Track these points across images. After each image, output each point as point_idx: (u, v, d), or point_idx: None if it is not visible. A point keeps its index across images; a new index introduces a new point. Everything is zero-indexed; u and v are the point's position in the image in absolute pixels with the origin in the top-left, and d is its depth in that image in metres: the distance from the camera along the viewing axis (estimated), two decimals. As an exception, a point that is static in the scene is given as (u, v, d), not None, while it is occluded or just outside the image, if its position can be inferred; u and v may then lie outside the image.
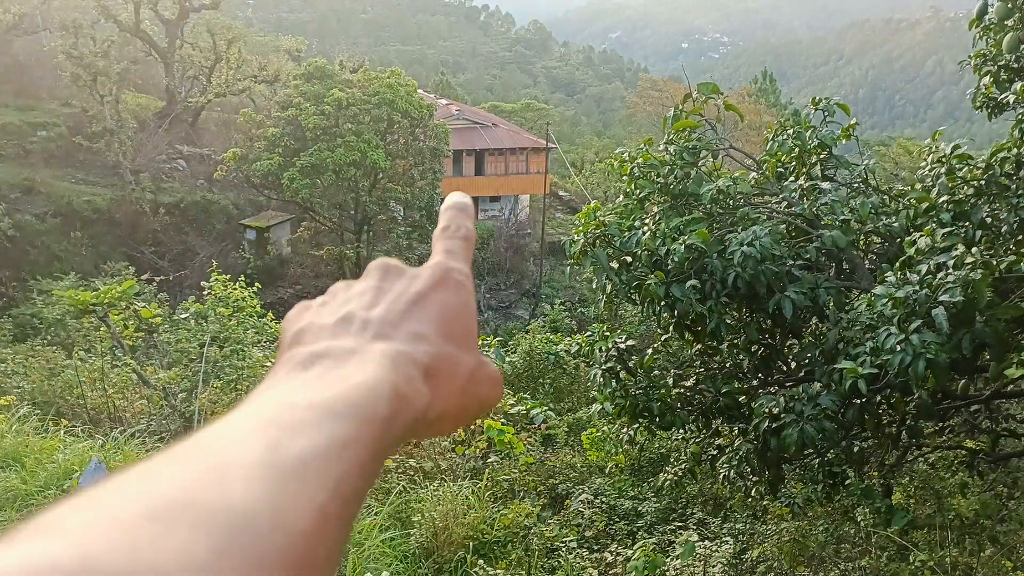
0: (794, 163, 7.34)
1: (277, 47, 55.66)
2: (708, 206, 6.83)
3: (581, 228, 7.01)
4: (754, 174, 7.61)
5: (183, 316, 11.67)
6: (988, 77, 7.90)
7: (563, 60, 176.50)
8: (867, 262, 7.23)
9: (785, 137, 7.15)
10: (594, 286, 7.20)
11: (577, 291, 40.98)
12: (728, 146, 7.34)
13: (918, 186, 6.88)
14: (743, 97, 59.14)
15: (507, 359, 15.27)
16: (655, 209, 7.04)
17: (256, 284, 12.32)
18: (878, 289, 5.59)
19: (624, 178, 7.27)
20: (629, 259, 6.80)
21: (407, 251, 39.11)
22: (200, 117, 46.82)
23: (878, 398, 6.57)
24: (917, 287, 5.32)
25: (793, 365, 7.60)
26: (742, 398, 7.30)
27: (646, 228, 6.75)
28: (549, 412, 12.97)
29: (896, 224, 6.80)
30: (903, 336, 5.17)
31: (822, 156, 7.11)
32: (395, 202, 36.75)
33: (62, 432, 6.73)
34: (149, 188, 39.14)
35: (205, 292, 11.55)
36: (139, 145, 40.11)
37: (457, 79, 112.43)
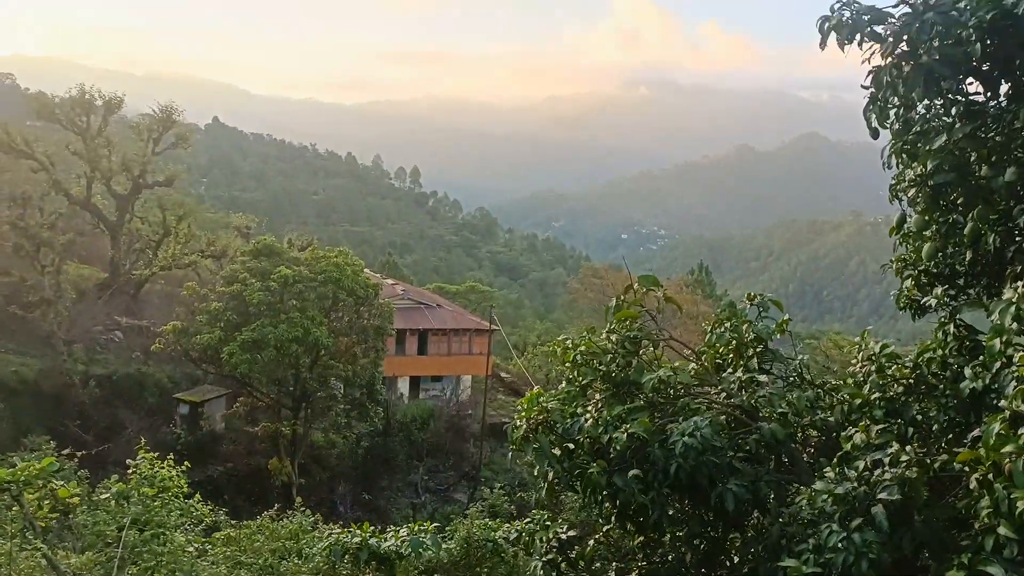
0: (732, 355, 7.54)
1: (228, 223, 56.60)
2: (649, 395, 6.91)
3: (524, 413, 7.00)
4: (693, 364, 7.77)
5: (104, 496, 11.07)
6: (909, 280, 8.38)
7: (508, 245, 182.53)
8: (805, 455, 7.30)
9: (723, 330, 7.39)
10: (536, 473, 7.10)
11: (517, 475, 40.18)
12: (668, 337, 7.53)
13: (850, 381, 7.10)
14: (680, 287, 61.32)
15: (443, 546, 14.69)
16: (597, 396, 7.09)
17: (186, 463, 11.83)
18: (818, 484, 5.63)
19: (567, 364, 7.36)
20: (571, 446, 6.76)
21: (345, 429, 38.29)
22: (143, 289, 46.57)
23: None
24: (855, 484, 5.37)
25: (736, 559, 7.46)
26: (686, 595, 7.10)
27: (588, 415, 6.77)
28: (486, 606, 12.37)
29: (831, 418, 6.94)
30: (845, 534, 5.16)
31: (758, 349, 7.33)
32: (336, 379, 36.32)
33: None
34: (81, 360, 38.17)
35: (130, 471, 11.03)
36: (76, 316, 39.47)
37: (404, 260, 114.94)
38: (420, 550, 13.16)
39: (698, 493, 6.50)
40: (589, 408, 6.88)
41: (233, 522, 15.33)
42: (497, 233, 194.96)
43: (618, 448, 6.38)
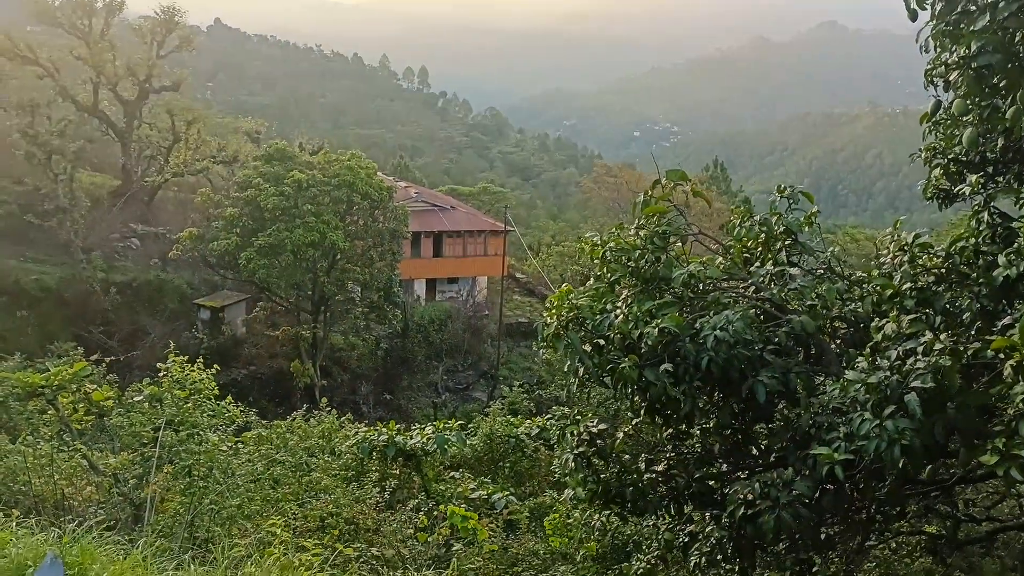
0: (760, 248, 7.48)
1: (237, 128, 55.97)
2: (679, 290, 6.90)
3: (554, 310, 7.02)
4: (721, 259, 7.73)
5: (137, 399, 11.33)
6: (938, 170, 8.22)
7: (519, 145, 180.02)
8: (834, 347, 7.32)
9: (752, 223, 7.31)
10: (566, 369, 7.17)
11: (535, 373, 40.85)
12: (697, 231, 7.47)
13: (875, 273, 7.04)
14: (696, 184, 60.54)
15: (468, 442, 15.10)
16: (626, 292, 7.09)
17: (215, 366, 12.04)
18: (850, 374, 5.66)
19: (595, 261, 7.33)
20: (602, 342, 6.80)
21: (364, 331, 38.82)
22: (156, 196, 46.56)
23: (848, 484, 6.57)
24: (888, 373, 5.39)
25: (763, 448, 7.58)
26: (713, 483, 7.25)
27: (618, 311, 6.78)
28: (511, 497, 12.76)
29: (861, 310, 6.92)
30: (877, 422, 5.22)
31: (787, 242, 7.26)
32: (353, 283, 36.60)
33: (14, 524, 6.40)
34: (101, 267, 38.52)
35: (161, 374, 11.24)
36: (92, 224, 39.63)
37: (415, 162, 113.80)
38: (445, 446, 13.52)
39: (728, 386, 6.56)
40: (619, 304, 6.88)
41: (263, 422, 15.71)
42: (508, 133, 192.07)
43: (649, 343, 6.40)
